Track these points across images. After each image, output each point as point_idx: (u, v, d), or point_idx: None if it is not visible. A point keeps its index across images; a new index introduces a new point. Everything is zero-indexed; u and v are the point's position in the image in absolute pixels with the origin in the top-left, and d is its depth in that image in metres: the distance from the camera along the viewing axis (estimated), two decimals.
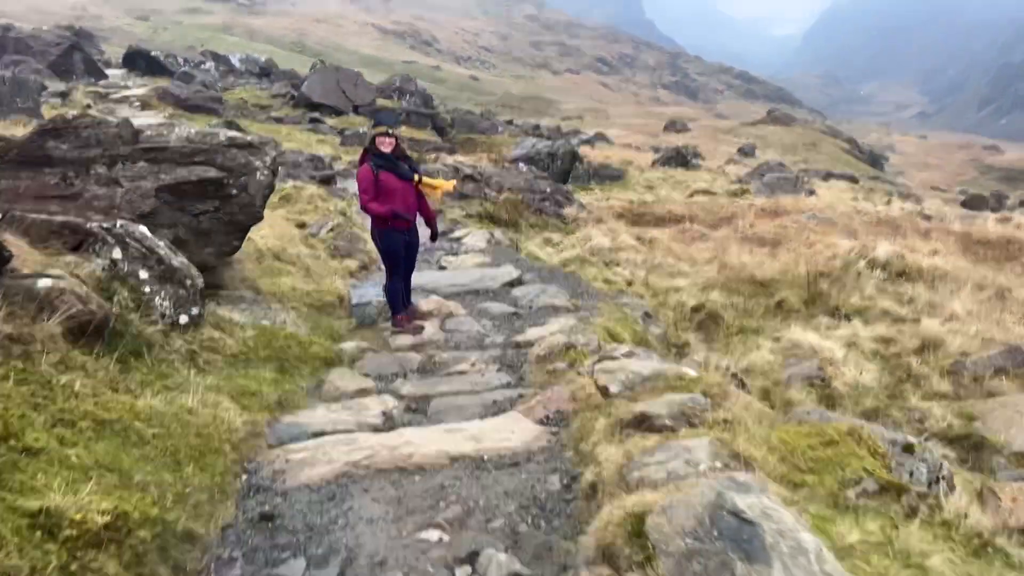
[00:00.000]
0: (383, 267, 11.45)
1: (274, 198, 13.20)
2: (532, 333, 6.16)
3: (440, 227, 13.58)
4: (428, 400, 4.91)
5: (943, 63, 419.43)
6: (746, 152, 68.24)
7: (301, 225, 12.05)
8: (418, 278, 8.10)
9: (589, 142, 55.09)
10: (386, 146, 7.04)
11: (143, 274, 4.52)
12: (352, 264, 10.64)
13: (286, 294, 6.80)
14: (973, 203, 40.09)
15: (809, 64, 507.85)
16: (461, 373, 5.42)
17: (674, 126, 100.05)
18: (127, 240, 4.60)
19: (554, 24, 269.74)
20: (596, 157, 27.36)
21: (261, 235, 8.62)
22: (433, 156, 23.71)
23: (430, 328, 6.88)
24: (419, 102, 52.96)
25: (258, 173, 5.73)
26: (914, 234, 14.18)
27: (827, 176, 42.12)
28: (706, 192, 19.60)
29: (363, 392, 4.97)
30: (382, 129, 7.41)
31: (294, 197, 13.30)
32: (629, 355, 4.74)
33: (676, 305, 9.63)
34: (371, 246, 11.57)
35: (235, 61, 65.58)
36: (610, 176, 22.15)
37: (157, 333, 4.38)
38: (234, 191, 5.54)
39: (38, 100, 26.28)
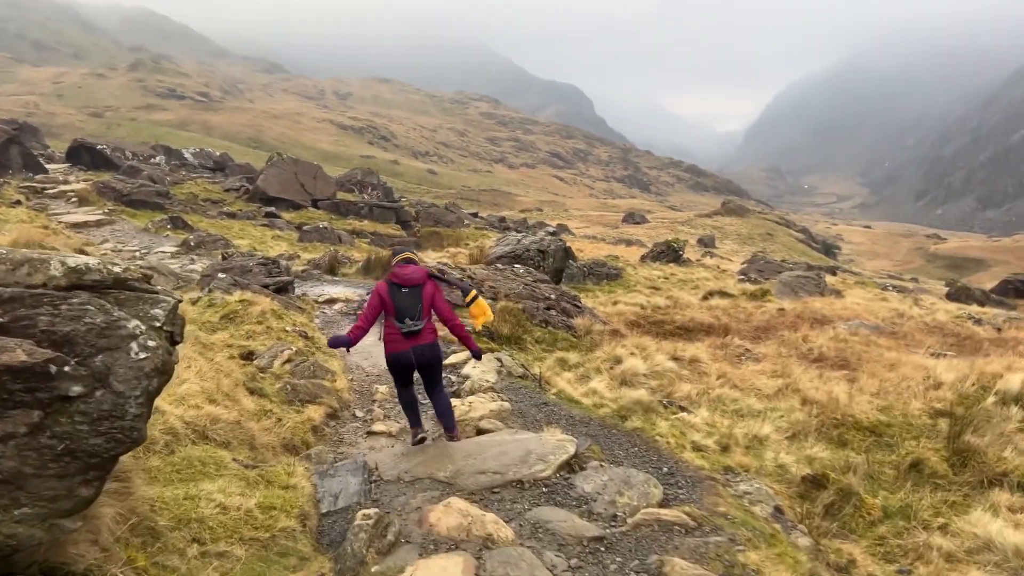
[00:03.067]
0: (360, 414, 8.54)
1: (215, 317, 10.26)
2: None
3: None
4: None
5: (880, 157, 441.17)
6: (706, 243, 67.85)
7: (248, 355, 9.06)
8: (424, 460, 5.21)
9: (555, 234, 53.28)
10: None
11: None
12: (316, 414, 7.65)
13: (210, 526, 3.83)
14: (960, 296, 38.68)
15: (753, 158, 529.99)
16: None
17: (632, 218, 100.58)
18: None
19: (509, 121, 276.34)
20: (576, 251, 25.01)
21: (183, 390, 5.65)
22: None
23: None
24: (381, 195, 50.93)
25: (133, 345, 2.82)
26: (996, 348, 11.75)
27: (809, 268, 40.68)
28: (722, 293, 17.21)
29: None
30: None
31: (240, 315, 10.33)
32: None
33: (776, 470, 6.81)
34: (340, 383, 8.65)
35: (188, 155, 63.43)
36: (607, 275, 19.67)
37: None
38: (78, 388, 2.67)
39: None
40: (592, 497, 4.86)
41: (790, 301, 16.38)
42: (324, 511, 4.79)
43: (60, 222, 27.14)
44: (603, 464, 5.49)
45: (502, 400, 7.82)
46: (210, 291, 12.04)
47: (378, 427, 7.59)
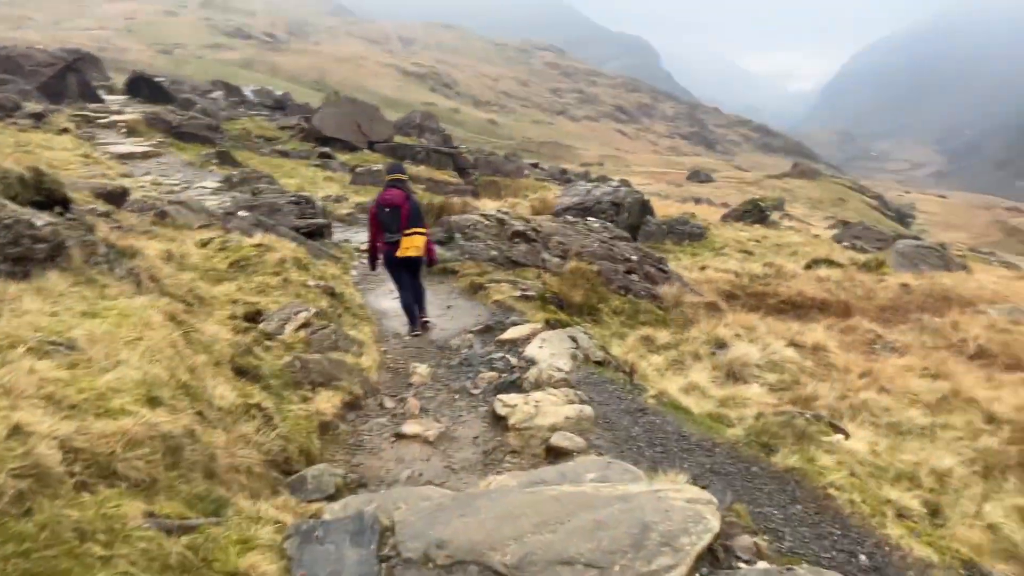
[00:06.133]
0: (390, 404, 6.55)
1: (223, 263, 8.32)
2: None
3: (484, 316, 8.69)
4: None
5: (960, 123, 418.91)
6: (776, 206, 64.28)
7: (253, 316, 7.11)
8: (472, 524, 3.16)
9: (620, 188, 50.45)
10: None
11: None
12: (329, 405, 5.66)
13: None
14: None
15: (824, 120, 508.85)
16: None
17: (698, 176, 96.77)
18: None
19: (573, 72, 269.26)
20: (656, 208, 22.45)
21: (105, 382, 3.67)
22: (459, 201, 18.99)
23: None
24: (439, 141, 48.81)
25: None
26: None
27: (894, 239, 37.32)
28: (828, 262, 14.65)
29: None
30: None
31: (254, 262, 8.39)
32: None
33: (985, 536, 4.56)
34: (368, 359, 6.61)
35: (248, 92, 62.19)
36: (689, 234, 17.21)
37: None
38: None
39: None
40: None
41: (912, 276, 13.78)
42: None
43: (106, 152, 25.90)
44: (759, 544, 3.34)
45: (580, 401, 5.68)
46: (227, 231, 10.15)
47: (411, 427, 5.57)
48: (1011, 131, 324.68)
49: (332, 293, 8.42)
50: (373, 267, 8.68)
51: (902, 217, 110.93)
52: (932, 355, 8.48)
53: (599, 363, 6.94)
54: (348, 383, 6.10)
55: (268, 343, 6.53)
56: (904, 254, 16.33)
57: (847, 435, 5.59)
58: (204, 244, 9.22)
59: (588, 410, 5.42)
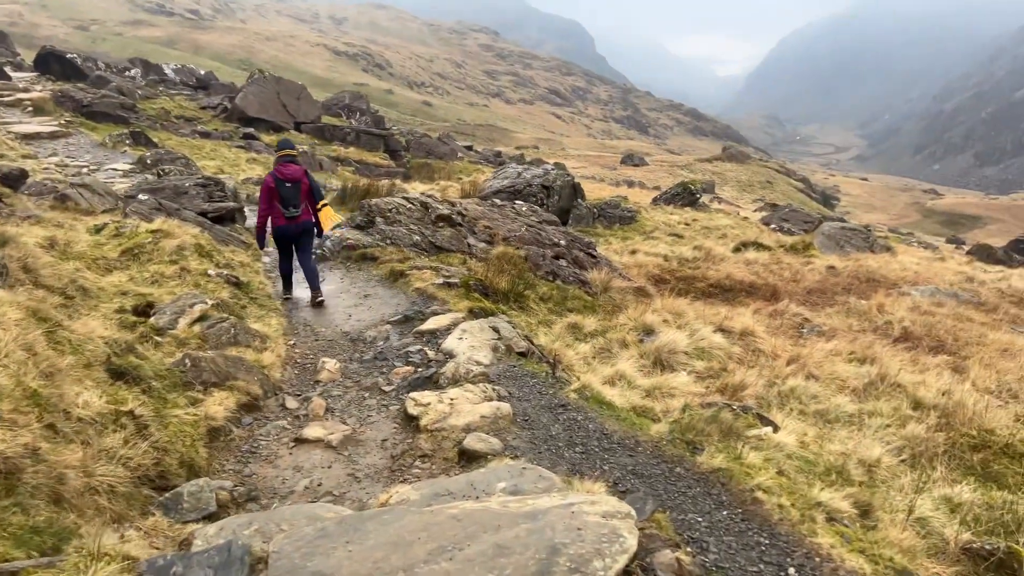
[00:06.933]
0: (293, 404, 6.07)
1: (114, 251, 7.64)
2: None
3: (403, 306, 8.23)
4: None
5: (880, 109, 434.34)
6: (706, 189, 65.44)
7: (144, 309, 6.50)
8: (358, 553, 2.76)
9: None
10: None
11: None
12: (221, 408, 5.15)
13: None
14: (981, 255, 36.41)
15: (752, 104, 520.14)
16: None
17: (631, 159, 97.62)
18: None
19: (508, 55, 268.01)
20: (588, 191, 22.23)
21: None
22: (387, 183, 18.34)
23: None
24: (370, 122, 47.70)
25: None
26: None
27: (820, 221, 38.17)
28: (757, 245, 14.62)
29: None
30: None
31: (149, 250, 7.70)
32: None
33: (914, 529, 4.37)
34: (270, 355, 6.10)
35: (168, 71, 59.51)
36: (620, 218, 17.00)
37: None
38: None
39: None
40: None
41: (838, 257, 13.85)
42: None
43: (9, 132, 24.33)
44: (682, 560, 3.02)
45: (499, 397, 5.30)
46: (125, 216, 9.40)
47: (313, 431, 5.09)
48: (926, 116, 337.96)
49: (236, 283, 7.82)
50: (262, 245, 8.94)
51: (827, 199, 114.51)
52: (859, 339, 8.41)
53: (522, 354, 6.56)
54: (246, 382, 5.58)
55: (158, 339, 5.95)
56: (830, 236, 16.48)
57: (776, 427, 5.38)
58: (98, 230, 8.48)
59: (506, 407, 5.04)
